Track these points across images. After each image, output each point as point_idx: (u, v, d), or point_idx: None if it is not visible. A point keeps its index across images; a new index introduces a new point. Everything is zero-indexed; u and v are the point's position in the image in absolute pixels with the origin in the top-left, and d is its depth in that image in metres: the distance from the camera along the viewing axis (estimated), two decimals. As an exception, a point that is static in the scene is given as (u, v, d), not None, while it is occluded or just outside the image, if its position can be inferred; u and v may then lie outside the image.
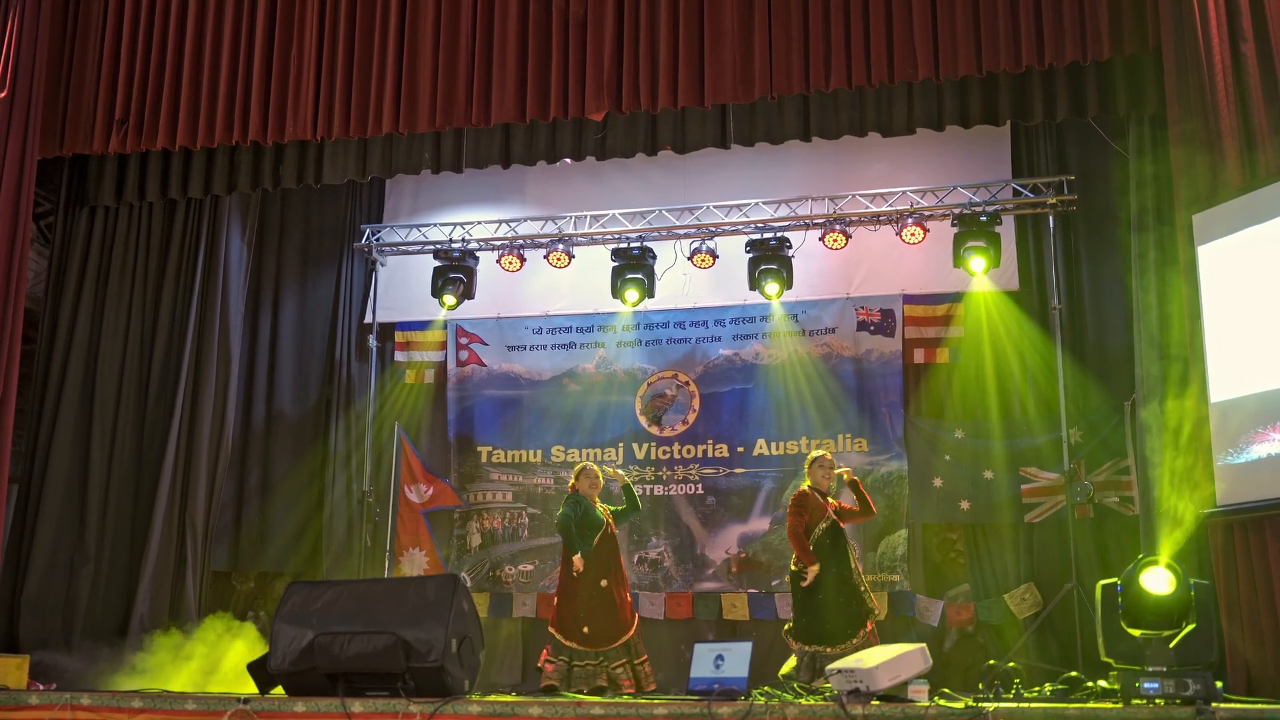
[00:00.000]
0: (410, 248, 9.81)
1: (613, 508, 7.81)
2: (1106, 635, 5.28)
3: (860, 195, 9.03)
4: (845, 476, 7.45)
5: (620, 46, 7.44)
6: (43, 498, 8.28)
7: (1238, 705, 4.94)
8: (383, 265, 9.95)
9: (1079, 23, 6.88)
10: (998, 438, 8.71)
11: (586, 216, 9.46)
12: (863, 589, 7.25)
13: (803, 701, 5.15)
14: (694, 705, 5.11)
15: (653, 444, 9.45)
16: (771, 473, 9.14)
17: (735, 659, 5.69)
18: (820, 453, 7.57)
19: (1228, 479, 5.92)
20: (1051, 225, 8.72)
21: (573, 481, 7.72)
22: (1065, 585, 7.97)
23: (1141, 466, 7.53)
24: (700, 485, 9.30)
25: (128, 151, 8.22)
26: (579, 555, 7.39)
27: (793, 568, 7.32)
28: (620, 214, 9.42)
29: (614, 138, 8.08)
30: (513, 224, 9.59)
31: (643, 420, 9.52)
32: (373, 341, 9.85)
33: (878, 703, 5.02)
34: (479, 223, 9.66)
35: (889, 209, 8.92)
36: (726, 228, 9.20)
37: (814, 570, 7.07)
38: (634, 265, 9.20)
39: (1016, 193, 8.75)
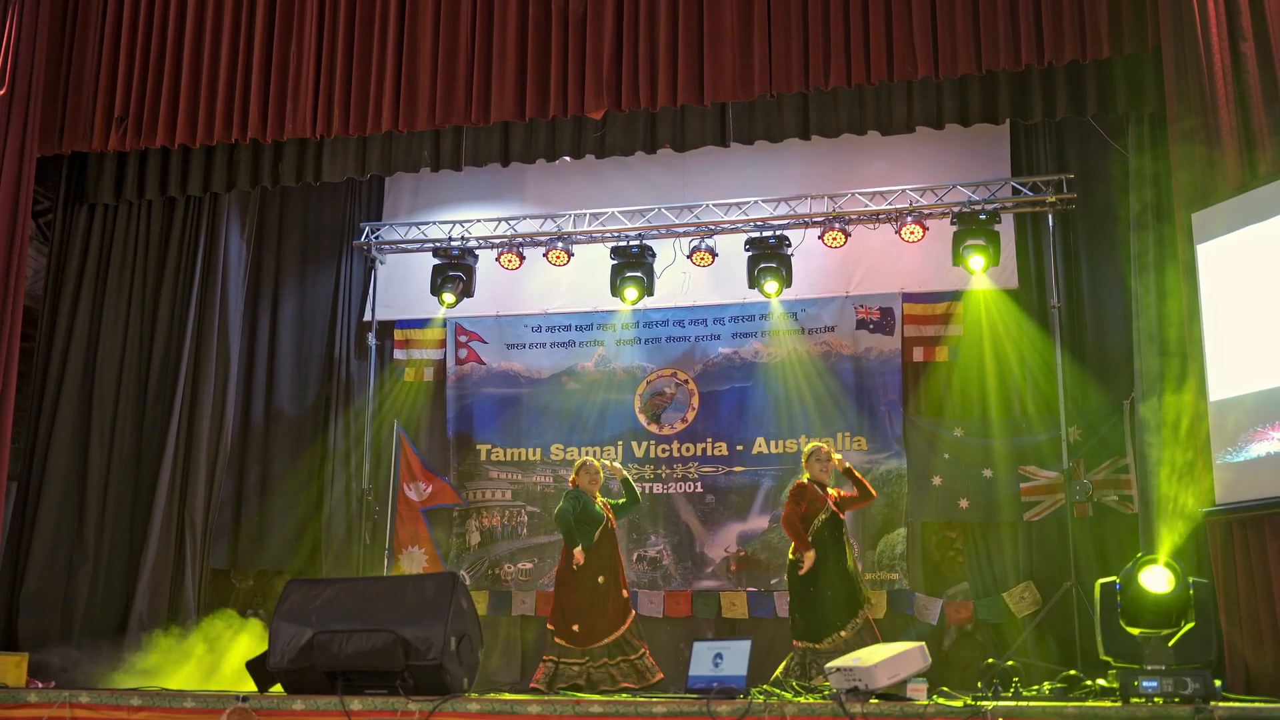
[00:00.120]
0: (409, 246, 9.81)
1: (613, 501, 7.83)
2: (1105, 634, 5.29)
3: (859, 193, 9.03)
4: (839, 465, 7.46)
5: (620, 45, 7.44)
6: (42, 495, 8.28)
7: (1236, 704, 4.94)
8: (382, 263, 9.95)
9: (1078, 22, 6.88)
10: (997, 436, 8.72)
11: (586, 215, 9.46)
12: (859, 582, 7.25)
13: (801, 700, 5.15)
14: (693, 703, 5.12)
15: (652, 442, 9.45)
16: (771, 471, 9.14)
17: (734, 657, 5.69)
18: (816, 445, 7.58)
19: (1226, 478, 5.92)
20: (1051, 224, 8.72)
21: (573, 476, 7.77)
22: (1064, 584, 7.98)
23: (1140, 465, 7.54)
24: (699, 483, 9.30)
25: (127, 149, 8.22)
26: (580, 548, 7.41)
27: (790, 557, 7.33)
28: (619, 212, 9.42)
29: (613, 136, 8.07)
30: (512, 222, 9.59)
31: (642, 418, 9.52)
32: (372, 339, 9.85)
33: (876, 701, 5.03)
34: (478, 221, 9.66)
35: (888, 207, 8.91)
36: (726, 226, 9.20)
37: (810, 556, 7.08)
38: (633, 263, 9.21)
39: (1016, 191, 8.75)
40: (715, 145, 8.03)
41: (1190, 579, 5.29)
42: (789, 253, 9.00)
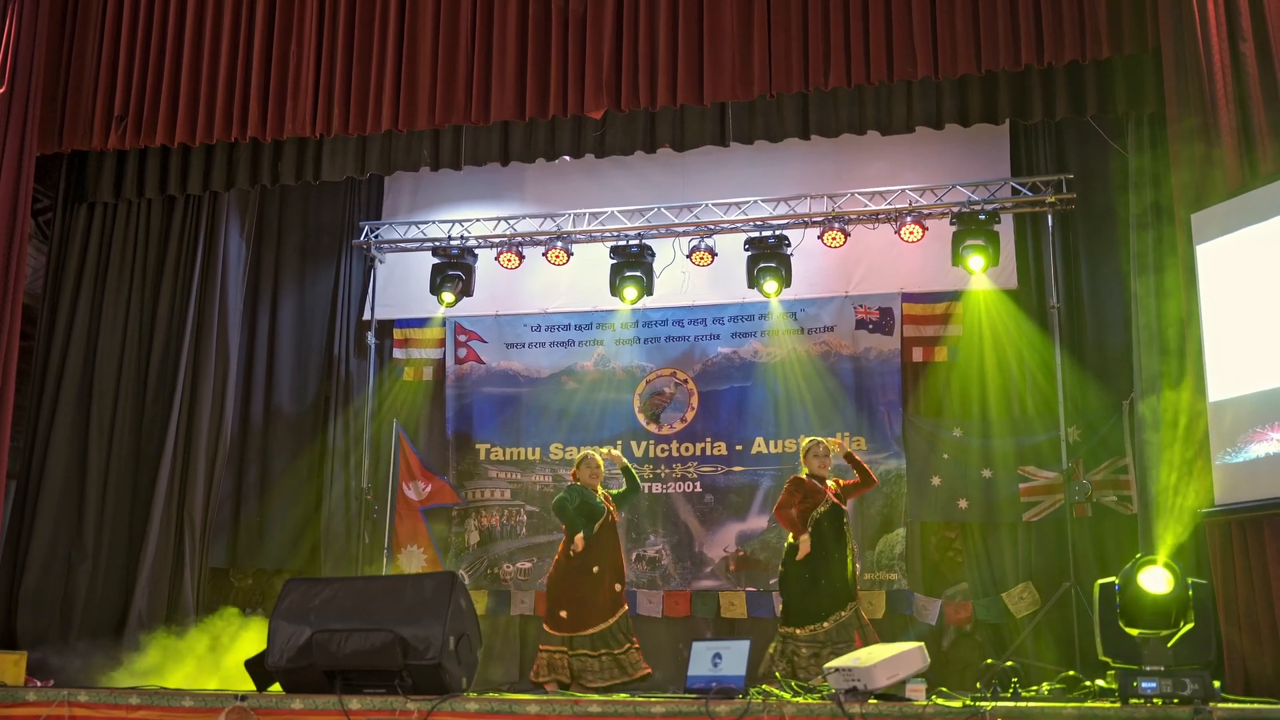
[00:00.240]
0: (409, 245, 9.81)
1: (614, 492, 7.85)
2: (1104, 634, 5.28)
3: (859, 193, 9.03)
4: (839, 451, 7.50)
5: (619, 44, 7.44)
6: (41, 494, 8.27)
7: (1235, 705, 4.94)
8: (381, 262, 9.95)
9: (1078, 22, 6.88)
10: (996, 436, 8.72)
11: (585, 214, 9.47)
12: (853, 578, 7.24)
13: (800, 700, 5.15)
14: (691, 703, 5.12)
15: (651, 442, 9.45)
16: (770, 471, 9.14)
17: (733, 657, 5.69)
18: (813, 440, 7.56)
19: (1226, 478, 5.92)
20: (1050, 224, 8.73)
21: (573, 470, 7.77)
22: (1063, 584, 7.98)
23: (1140, 465, 7.54)
24: (699, 483, 9.30)
25: (126, 148, 8.21)
26: (581, 535, 7.42)
27: (789, 541, 7.32)
28: (619, 211, 9.42)
29: (613, 135, 8.07)
30: (511, 221, 9.59)
31: (641, 418, 9.52)
32: (371, 338, 9.84)
33: (875, 701, 5.03)
34: (478, 220, 9.66)
35: (888, 207, 8.92)
36: (725, 226, 9.21)
37: (805, 540, 7.08)
38: (633, 263, 9.21)
39: (1015, 191, 8.75)
40: (715, 145, 8.02)
41: (1189, 580, 5.29)
42: (788, 252, 9.00)
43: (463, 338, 9.89)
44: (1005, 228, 8.81)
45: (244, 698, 5.51)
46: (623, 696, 6.39)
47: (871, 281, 9.22)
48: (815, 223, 8.99)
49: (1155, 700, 4.86)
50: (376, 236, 9.90)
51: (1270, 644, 5.63)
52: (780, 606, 7.49)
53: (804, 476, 7.39)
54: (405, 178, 9.92)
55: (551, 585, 7.66)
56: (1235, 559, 5.89)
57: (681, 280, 9.43)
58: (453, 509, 9.67)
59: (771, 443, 9.19)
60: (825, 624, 7.03)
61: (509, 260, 9.40)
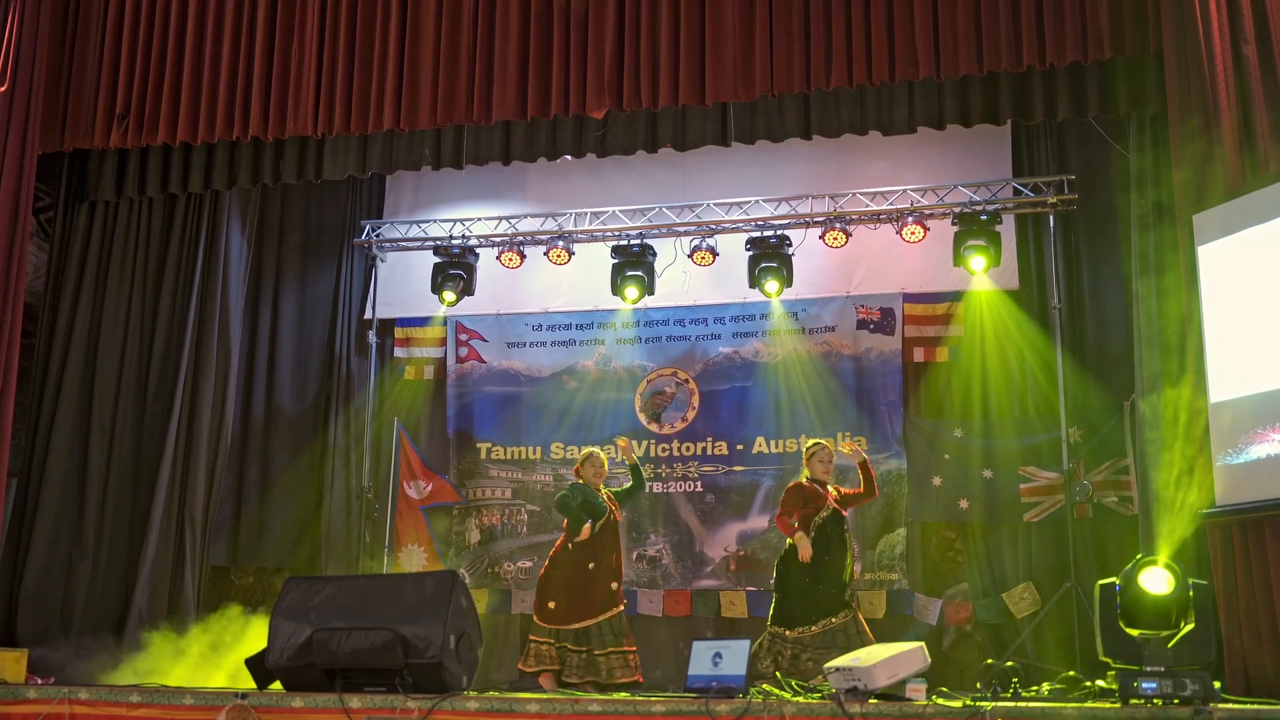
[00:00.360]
0: (410, 244, 9.81)
1: (617, 490, 7.83)
2: (1105, 635, 5.28)
3: (861, 193, 9.03)
4: (854, 457, 7.49)
5: (621, 44, 7.44)
6: (41, 492, 8.27)
7: (1235, 706, 4.94)
8: (383, 261, 9.95)
9: (1080, 23, 6.87)
10: (997, 437, 8.72)
11: (587, 213, 9.46)
12: (850, 584, 7.21)
13: (800, 699, 5.16)
14: (691, 703, 5.12)
15: (652, 441, 9.46)
16: (770, 471, 9.14)
17: (733, 656, 5.68)
18: (818, 443, 7.52)
19: (1227, 479, 5.92)
20: (1052, 224, 8.72)
21: (578, 466, 7.75)
22: (1064, 585, 7.97)
23: (1140, 466, 7.54)
24: (699, 483, 9.31)
25: (128, 146, 8.21)
26: (587, 525, 7.42)
27: (790, 542, 7.28)
28: (620, 211, 9.42)
29: (614, 135, 8.07)
30: (513, 221, 9.59)
31: (642, 417, 9.52)
32: (372, 337, 9.84)
33: (875, 701, 5.03)
34: (479, 219, 9.66)
35: (889, 207, 8.92)
36: (727, 225, 9.21)
37: (806, 543, 7.03)
38: (634, 262, 9.21)
39: (1017, 192, 8.75)
40: (716, 145, 8.03)
41: (1190, 580, 5.29)
42: (790, 252, 9.00)
43: (464, 337, 9.89)
44: (1007, 228, 8.81)
45: (244, 696, 5.51)
46: (623, 696, 6.40)
47: (873, 281, 9.22)
48: (817, 223, 8.99)
49: (1155, 701, 4.86)
50: (378, 235, 9.90)
51: (1271, 645, 5.63)
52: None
53: (804, 481, 7.37)
54: (407, 177, 9.92)
55: (544, 576, 7.65)
56: (1236, 560, 5.89)
57: (683, 280, 9.42)
58: (454, 508, 9.67)
59: (772, 442, 9.19)
60: (813, 628, 7.01)
61: (510, 259, 9.41)
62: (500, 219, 9.61)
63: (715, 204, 9.24)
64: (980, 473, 8.70)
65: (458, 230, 9.60)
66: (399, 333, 10.08)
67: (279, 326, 9.92)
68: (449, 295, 9.39)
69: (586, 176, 9.61)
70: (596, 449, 7.98)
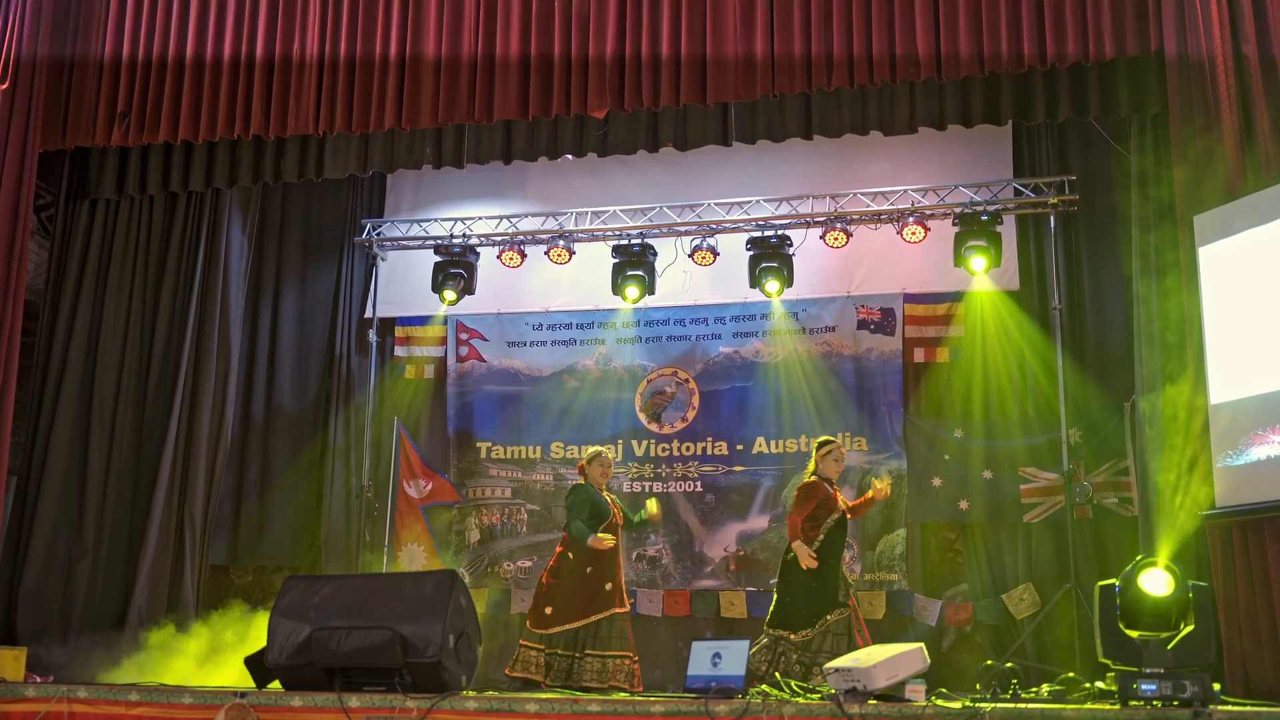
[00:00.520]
0: (411, 243, 9.81)
1: (623, 508, 7.69)
2: (1104, 636, 5.28)
3: (861, 194, 9.02)
4: (879, 496, 7.25)
5: (622, 44, 7.44)
6: (41, 490, 8.28)
7: (1235, 707, 4.94)
8: (383, 260, 9.94)
9: (1081, 23, 6.87)
10: (997, 437, 8.71)
11: (587, 213, 9.46)
12: (845, 581, 7.16)
13: (799, 700, 5.16)
14: (691, 703, 5.12)
15: (652, 441, 9.45)
16: (770, 471, 9.14)
17: (732, 657, 5.68)
18: (831, 441, 7.30)
19: (1227, 481, 5.92)
20: (1053, 225, 8.71)
21: (583, 463, 7.64)
22: (1063, 586, 7.97)
23: (1141, 467, 7.53)
24: (699, 483, 9.30)
25: (129, 144, 8.22)
26: (610, 537, 7.29)
27: (788, 556, 7.20)
28: (621, 210, 9.41)
29: (615, 134, 8.07)
30: (514, 220, 9.59)
31: (642, 417, 9.52)
32: (373, 336, 9.84)
33: (875, 702, 5.03)
34: (480, 218, 9.65)
35: (890, 208, 8.91)
36: (727, 225, 9.20)
37: (802, 550, 6.94)
38: (634, 262, 9.20)
39: (1018, 192, 8.74)
40: (717, 144, 8.03)
41: (1190, 582, 5.28)
42: (790, 252, 8.99)
43: (464, 336, 9.89)
44: (1007, 229, 8.80)
45: (243, 695, 5.52)
46: (622, 696, 6.40)
47: (873, 282, 9.21)
48: (817, 223, 8.99)
49: (1155, 702, 4.86)
50: (378, 234, 9.90)
51: (1270, 646, 5.63)
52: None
53: (815, 480, 7.17)
54: (407, 175, 9.92)
55: (546, 586, 7.43)
56: (1236, 561, 5.89)
57: (683, 280, 9.42)
58: (453, 507, 9.67)
59: (772, 443, 9.19)
60: (814, 629, 6.98)
61: (511, 259, 9.40)
62: (501, 218, 9.61)
63: (716, 204, 9.23)
64: (980, 473, 8.69)
65: (458, 229, 9.59)
66: (399, 332, 10.08)
67: (279, 325, 9.92)
68: (449, 294, 9.39)
69: (587, 176, 9.61)
70: (603, 448, 7.90)
